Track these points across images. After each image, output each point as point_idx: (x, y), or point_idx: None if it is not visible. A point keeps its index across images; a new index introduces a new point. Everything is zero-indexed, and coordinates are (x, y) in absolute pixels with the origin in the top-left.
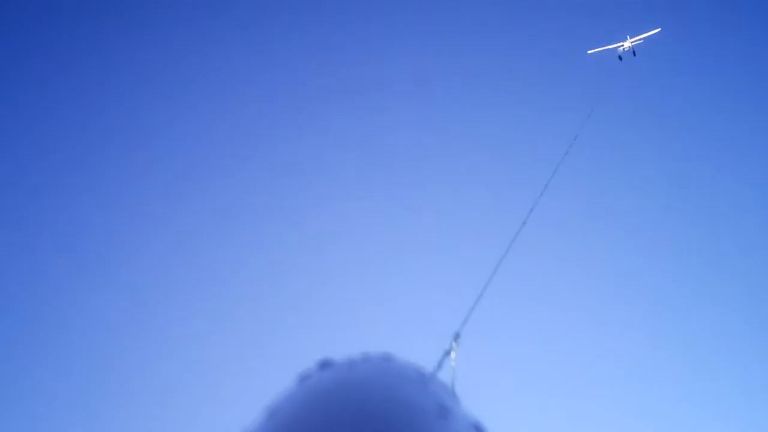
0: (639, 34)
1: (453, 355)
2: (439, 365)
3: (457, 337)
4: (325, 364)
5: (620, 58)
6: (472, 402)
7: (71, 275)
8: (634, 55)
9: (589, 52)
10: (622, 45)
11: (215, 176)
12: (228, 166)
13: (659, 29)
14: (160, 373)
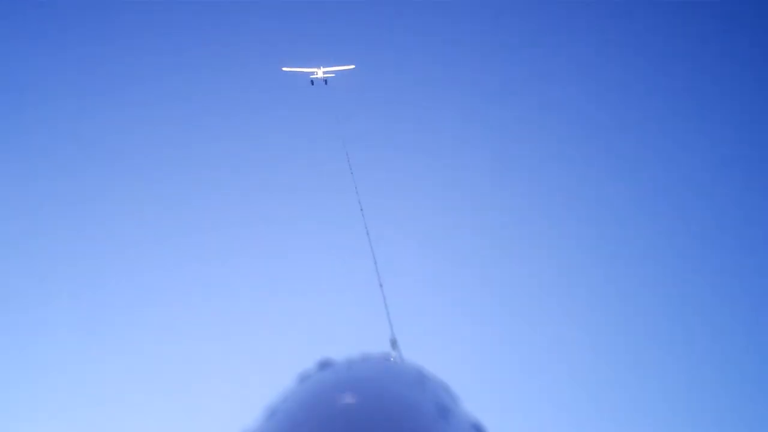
0: (333, 66)
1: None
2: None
3: (394, 343)
4: (325, 364)
5: (312, 82)
6: (472, 402)
7: (73, 274)
8: (326, 83)
9: (283, 69)
10: (316, 72)
11: (216, 176)
12: (228, 165)
13: (353, 66)
14: (161, 373)
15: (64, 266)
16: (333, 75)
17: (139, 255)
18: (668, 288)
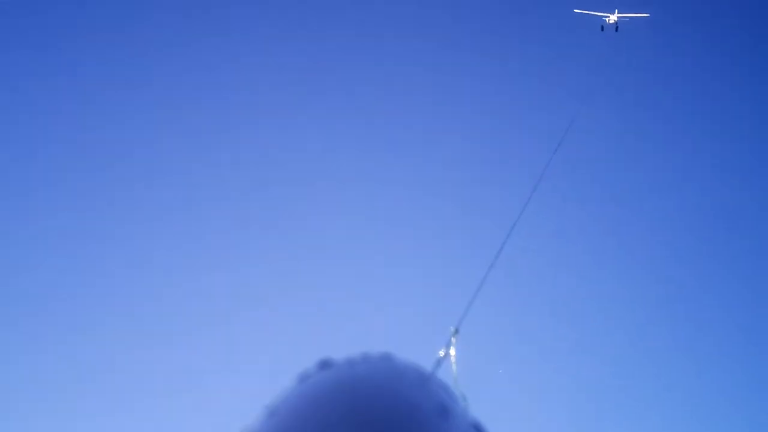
0: (628, 13)
1: (453, 351)
2: (438, 364)
3: (455, 332)
4: (325, 364)
5: (602, 28)
6: (472, 402)
7: (74, 276)
8: (617, 30)
9: (575, 11)
10: (608, 17)
11: (218, 178)
12: (232, 168)
13: (648, 15)
14: (162, 372)
15: (66, 265)
16: (627, 20)
17: (141, 251)
18: (667, 288)
